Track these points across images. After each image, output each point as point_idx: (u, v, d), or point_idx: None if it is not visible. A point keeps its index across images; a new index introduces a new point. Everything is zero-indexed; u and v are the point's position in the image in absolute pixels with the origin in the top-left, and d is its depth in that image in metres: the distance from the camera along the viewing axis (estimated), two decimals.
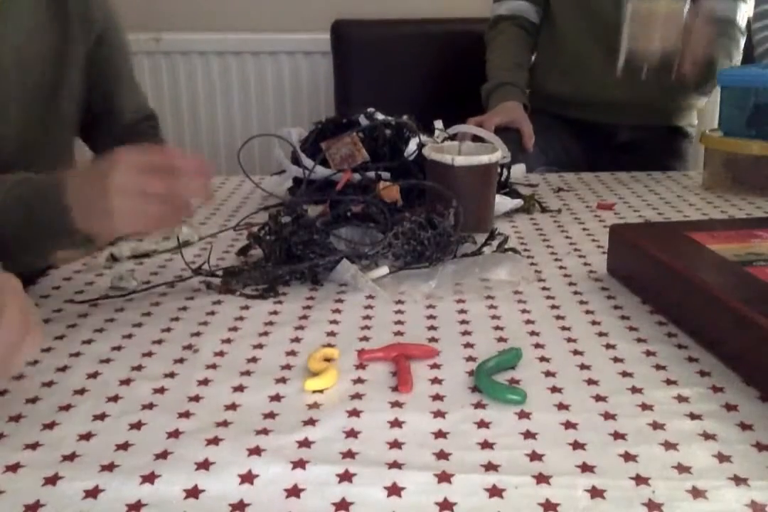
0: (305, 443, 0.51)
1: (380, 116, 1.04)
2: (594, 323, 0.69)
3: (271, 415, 0.54)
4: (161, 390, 0.58)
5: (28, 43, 0.87)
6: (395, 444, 0.50)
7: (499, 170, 0.99)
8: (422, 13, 2.01)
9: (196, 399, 0.57)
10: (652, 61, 1.18)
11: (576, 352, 0.63)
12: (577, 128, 1.63)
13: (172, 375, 0.60)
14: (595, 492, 0.45)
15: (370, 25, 1.95)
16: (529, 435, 0.51)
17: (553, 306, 0.73)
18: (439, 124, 1.11)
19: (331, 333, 0.67)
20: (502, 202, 1.00)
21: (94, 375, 0.60)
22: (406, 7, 2.08)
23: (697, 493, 0.45)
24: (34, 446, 0.51)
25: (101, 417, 0.54)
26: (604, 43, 1.58)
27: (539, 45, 1.68)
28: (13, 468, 0.48)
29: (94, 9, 0.95)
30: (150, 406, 0.55)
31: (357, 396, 0.57)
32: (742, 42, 1.59)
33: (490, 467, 0.48)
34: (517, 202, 1.03)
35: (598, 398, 0.56)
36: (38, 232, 0.68)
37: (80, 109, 0.97)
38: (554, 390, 0.57)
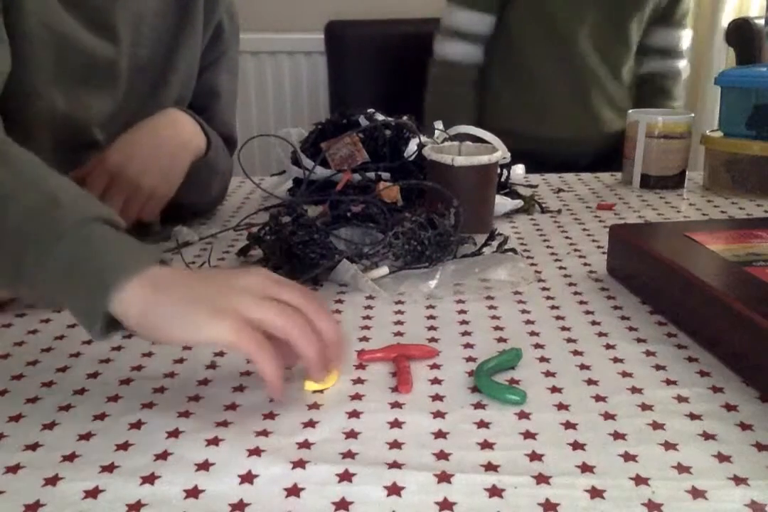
0: (305, 444, 0.51)
1: (380, 117, 1.04)
2: (594, 323, 0.69)
3: (270, 416, 0.54)
4: (161, 390, 0.58)
5: (145, 18, 0.88)
6: (395, 445, 0.50)
7: (499, 170, 0.99)
8: (416, 13, 2.01)
9: (196, 399, 0.57)
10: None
11: (576, 352, 0.63)
12: (539, 159, 1.66)
13: (172, 375, 0.60)
14: (595, 492, 0.45)
15: (363, 25, 1.95)
16: (528, 435, 0.51)
17: (553, 307, 0.73)
18: (439, 124, 1.11)
19: None
20: (502, 203, 1.00)
21: (94, 375, 0.60)
22: (401, 7, 2.08)
23: (696, 493, 0.45)
24: (34, 446, 0.51)
25: (101, 417, 0.54)
26: (575, 83, 1.61)
27: (503, 85, 1.69)
28: (14, 468, 0.48)
29: (218, 3, 0.97)
30: (150, 406, 0.56)
31: (357, 396, 0.57)
32: (685, 68, 1.75)
33: (490, 467, 0.48)
34: (517, 203, 1.03)
35: (598, 398, 0.56)
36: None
37: (189, 94, 0.98)
38: (554, 390, 0.57)
